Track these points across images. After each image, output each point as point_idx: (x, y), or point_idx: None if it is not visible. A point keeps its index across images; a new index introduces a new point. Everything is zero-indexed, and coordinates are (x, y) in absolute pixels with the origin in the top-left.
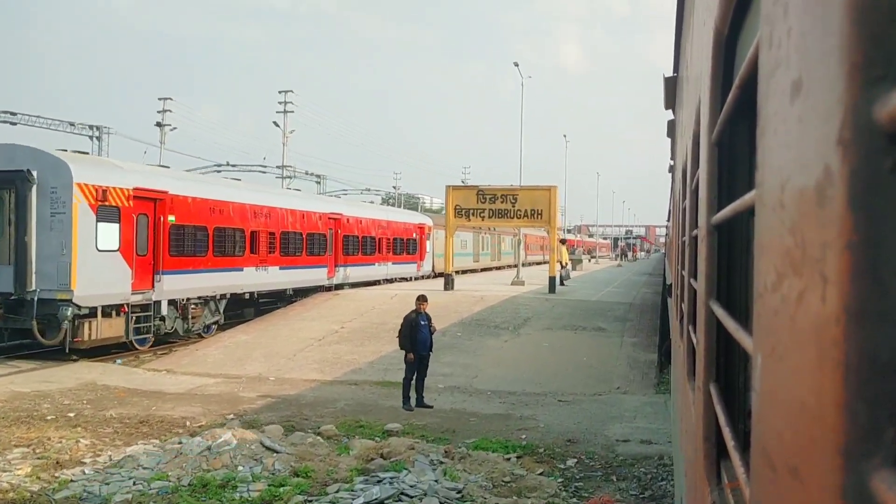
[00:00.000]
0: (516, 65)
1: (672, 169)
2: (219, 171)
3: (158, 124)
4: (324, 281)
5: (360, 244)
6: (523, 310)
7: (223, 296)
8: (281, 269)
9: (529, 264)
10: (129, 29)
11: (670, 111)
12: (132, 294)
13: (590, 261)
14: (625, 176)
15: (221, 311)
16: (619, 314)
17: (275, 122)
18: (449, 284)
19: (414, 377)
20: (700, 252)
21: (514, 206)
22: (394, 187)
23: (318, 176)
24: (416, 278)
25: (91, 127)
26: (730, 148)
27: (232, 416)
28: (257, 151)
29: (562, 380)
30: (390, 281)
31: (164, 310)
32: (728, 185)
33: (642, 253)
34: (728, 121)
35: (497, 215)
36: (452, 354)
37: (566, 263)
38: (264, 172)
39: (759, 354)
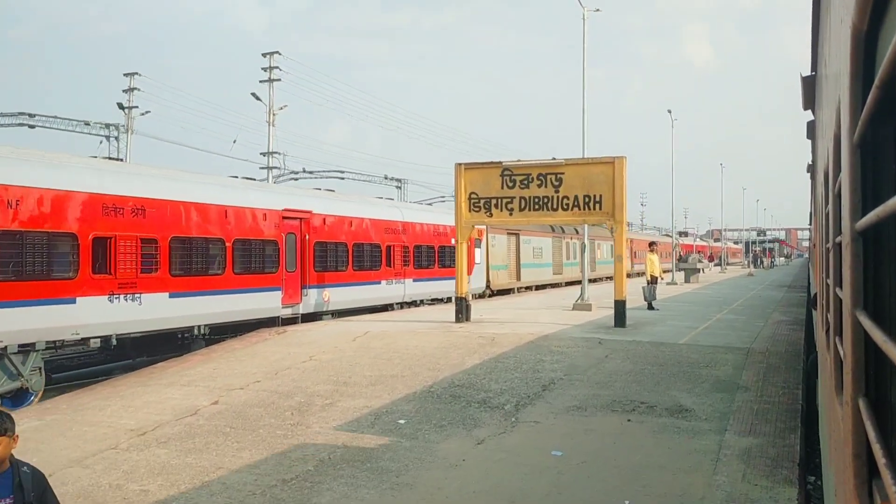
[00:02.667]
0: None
1: (811, 170)
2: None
3: (121, 106)
4: (276, 310)
5: (349, 255)
6: (550, 363)
7: (27, 346)
8: (174, 295)
9: (638, 275)
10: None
11: (809, 112)
12: None
13: (712, 269)
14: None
15: (21, 370)
16: (723, 376)
17: (254, 94)
18: (462, 313)
19: None
20: (844, 259)
21: (557, 192)
22: None
23: (399, 180)
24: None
25: (107, 126)
26: (873, 150)
27: None
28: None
29: None
30: (414, 304)
31: None
32: (872, 188)
33: (781, 259)
34: (870, 121)
35: (533, 206)
36: (345, 486)
37: (657, 276)
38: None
39: None
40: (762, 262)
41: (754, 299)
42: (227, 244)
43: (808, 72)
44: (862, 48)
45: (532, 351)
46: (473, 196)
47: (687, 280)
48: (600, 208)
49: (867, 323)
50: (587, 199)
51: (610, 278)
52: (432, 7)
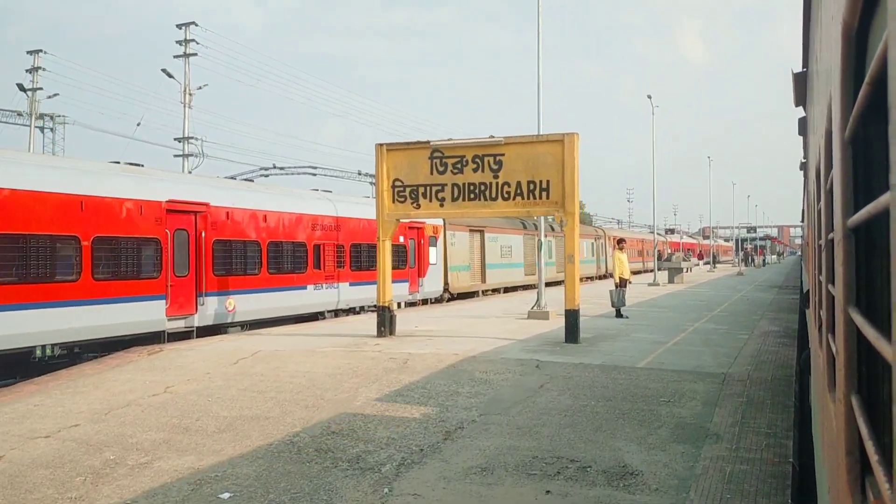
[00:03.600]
0: None
1: (804, 167)
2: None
3: (21, 87)
4: (159, 323)
5: (263, 255)
6: (466, 397)
7: None
8: (2, 308)
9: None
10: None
11: (801, 108)
12: None
13: (701, 268)
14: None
15: None
16: (688, 416)
17: (165, 71)
18: (386, 326)
19: None
20: (837, 256)
21: (496, 178)
22: None
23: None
24: (409, 304)
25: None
26: (864, 146)
27: None
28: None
29: None
30: (353, 311)
31: None
32: (864, 185)
33: (773, 256)
34: (861, 118)
35: (468, 195)
36: None
37: (626, 279)
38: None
39: None
40: (753, 260)
41: (741, 303)
42: (84, 243)
43: (799, 68)
44: (853, 45)
45: (449, 379)
46: (398, 184)
47: (671, 280)
48: (548, 197)
49: (859, 319)
50: (532, 186)
51: (590, 279)
52: (428, 5)
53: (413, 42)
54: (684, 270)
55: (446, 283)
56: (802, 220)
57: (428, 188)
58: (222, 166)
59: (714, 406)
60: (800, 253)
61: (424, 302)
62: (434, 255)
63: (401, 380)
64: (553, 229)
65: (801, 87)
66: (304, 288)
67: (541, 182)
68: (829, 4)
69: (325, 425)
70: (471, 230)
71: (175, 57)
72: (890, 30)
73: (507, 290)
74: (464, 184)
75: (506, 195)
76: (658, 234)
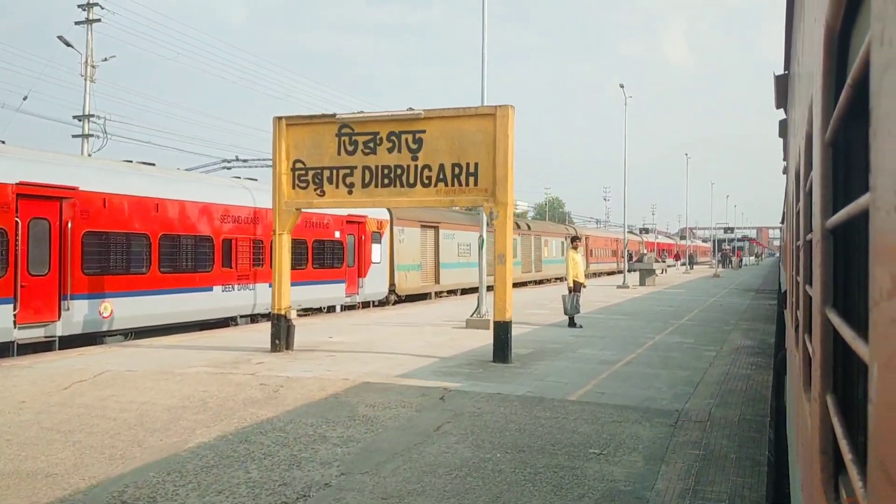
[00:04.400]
0: None
1: (786, 170)
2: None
3: None
4: (5, 332)
5: (153, 251)
6: (333, 445)
7: None
8: None
9: (594, 275)
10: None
11: (782, 110)
12: None
13: (678, 269)
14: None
15: None
16: (621, 480)
17: (62, 38)
18: (281, 338)
19: None
20: (815, 257)
21: (415, 159)
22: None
23: None
24: (347, 307)
25: None
26: (844, 149)
27: None
28: None
29: None
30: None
31: None
32: (843, 187)
33: (751, 258)
34: (841, 120)
35: (382, 181)
36: None
37: (581, 283)
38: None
39: (876, 364)
40: (730, 261)
41: (713, 309)
42: None
43: (781, 70)
44: (835, 47)
45: (322, 415)
46: (299, 166)
47: (642, 283)
48: (476, 183)
49: (836, 320)
50: (458, 170)
51: (562, 279)
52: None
53: (401, 38)
54: (657, 272)
55: (392, 284)
56: (782, 222)
57: (335, 172)
58: (179, 158)
59: (660, 462)
60: (778, 255)
61: (366, 305)
62: (378, 252)
63: (258, 416)
64: (519, 226)
65: (783, 89)
66: (210, 290)
67: (468, 165)
68: (812, 7)
69: (119, 489)
70: (423, 225)
71: (77, 23)
72: (872, 32)
73: (465, 291)
74: (377, 167)
75: (426, 181)
76: (633, 233)
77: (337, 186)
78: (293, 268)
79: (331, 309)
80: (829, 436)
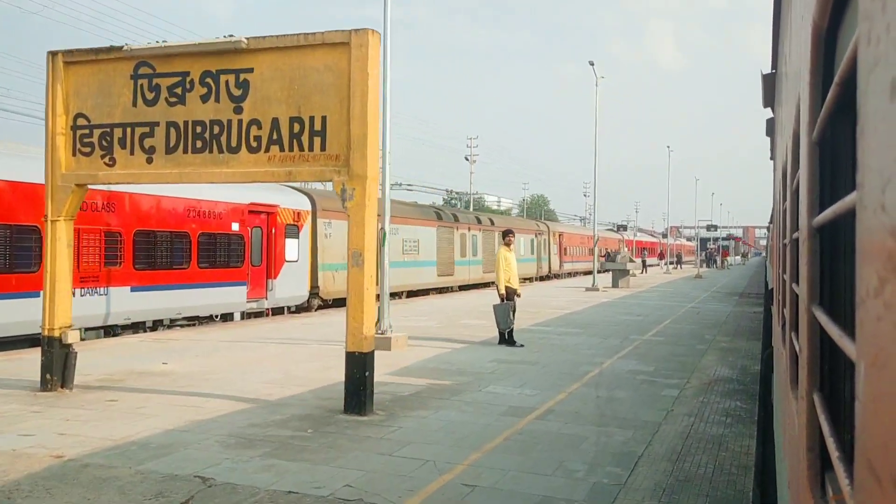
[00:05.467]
0: None
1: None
2: None
3: None
4: None
5: None
6: None
7: None
8: None
9: (568, 275)
10: None
11: (769, 109)
12: None
13: (662, 268)
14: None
15: None
16: None
17: None
18: (54, 370)
19: None
20: (801, 255)
21: (238, 112)
22: (447, 190)
23: None
24: (251, 314)
25: None
26: (831, 147)
27: None
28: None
29: None
30: (142, 327)
31: None
32: (830, 185)
33: (737, 257)
34: (829, 119)
35: (194, 143)
36: None
37: (512, 289)
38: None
39: (862, 362)
40: (715, 261)
41: (687, 319)
42: None
43: (768, 69)
44: (822, 46)
45: None
46: (82, 122)
47: (615, 284)
48: (323, 146)
49: (823, 318)
50: (298, 129)
51: (528, 279)
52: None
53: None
54: (630, 273)
55: (315, 287)
56: (770, 222)
57: (128, 130)
58: None
59: None
60: (764, 254)
61: (279, 311)
62: (295, 249)
63: None
64: (480, 221)
65: (770, 88)
66: (35, 295)
67: (312, 121)
68: (800, 6)
69: None
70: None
71: None
72: (860, 31)
73: (413, 294)
74: (186, 123)
75: (254, 144)
76: (611, 230)
77: (132, 152)
78: (171, 267)
79: (228, 317)
80: (815, 433)
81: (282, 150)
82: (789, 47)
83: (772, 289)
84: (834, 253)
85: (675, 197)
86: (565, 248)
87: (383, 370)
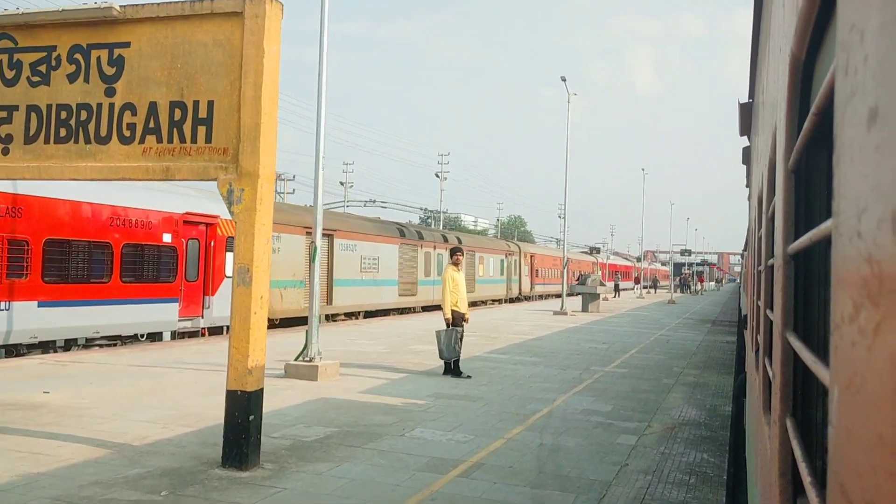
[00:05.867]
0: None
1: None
2: None
3: None
4: None
5: None
6: None
7: None
8: None
9: (540, 297)
10: None
11: (745, 138)
12: None
13: (637, 292)
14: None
15: None
16: None
17: None
18: None
19: None
20: (776, 281)
21: (111, 94)
22: (422, 209)
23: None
24: (184, 334)
25: None
26: (807, 176)
27: None
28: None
29: None
30: (54, 347)
31: None
32: (805, 213)
33: (711, 283)
34: (805, 148)
35: (58, 132)
36: None
37: (459, 314)
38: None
39: (836, 387)
40: (689, 287)
41: (655, 350)
42: None
43: (745, 99)
44: (800, 76)
45: None
46: None
47: (585, 308)
48: (208, 137)
49: (797, 344)
50: (180, 115)
51: (497, 301)
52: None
53: (369, 54)
54: (602, 297)
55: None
56: (744, 249)
57: None
58: None
59: None
60: (739, 280)
61: (218, 331)
62: (230, 264)
63: None
64: (447, 239)
65: (747, 117)
66: None
67: (196, 106)
68: (777, 37)
69: None
70: (309, 232)
71: None
72: (837, 61)
73: (370, 314)
74: (49, 107)
75: (126, 133)
76: (584, 252)
77: None
78: (88, 280)
79: (155, 337)
80: (788, 458)
81: (159, 140)
82: (766, 78)
83: (745, 315)
84: (808, 279)
85: (651, 221)
86: (537, 270)
87: (296, 405)
